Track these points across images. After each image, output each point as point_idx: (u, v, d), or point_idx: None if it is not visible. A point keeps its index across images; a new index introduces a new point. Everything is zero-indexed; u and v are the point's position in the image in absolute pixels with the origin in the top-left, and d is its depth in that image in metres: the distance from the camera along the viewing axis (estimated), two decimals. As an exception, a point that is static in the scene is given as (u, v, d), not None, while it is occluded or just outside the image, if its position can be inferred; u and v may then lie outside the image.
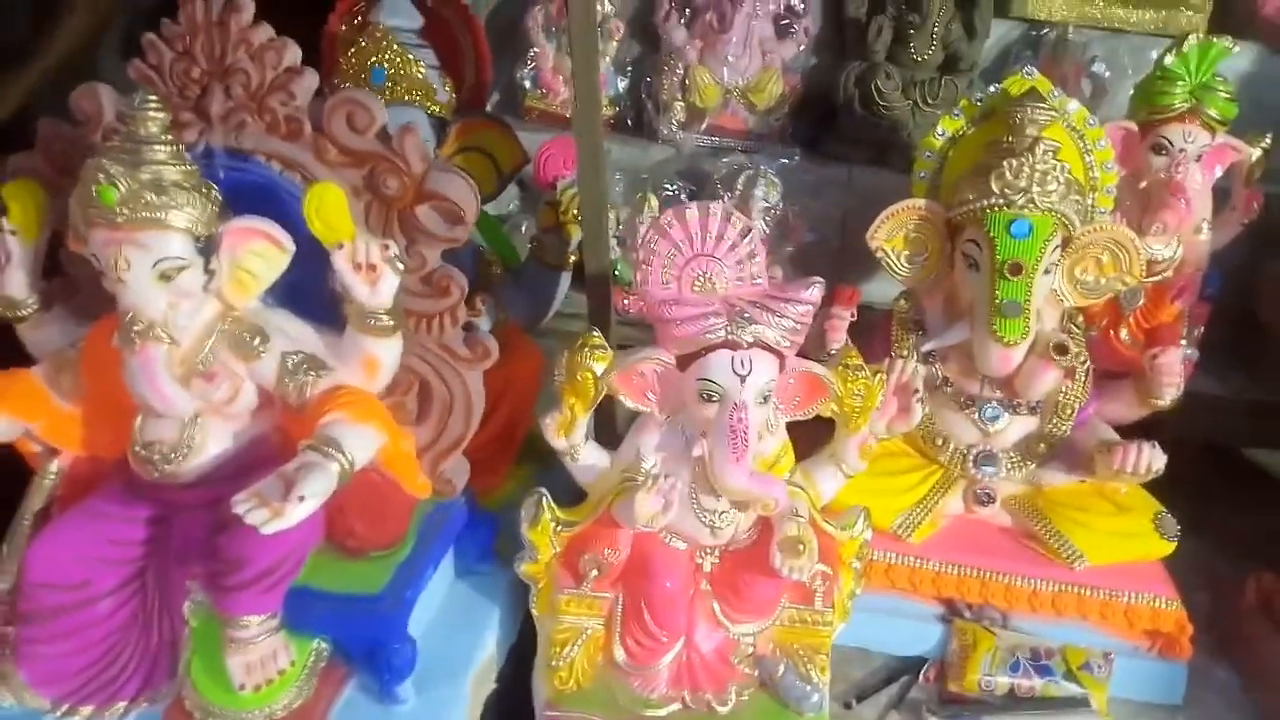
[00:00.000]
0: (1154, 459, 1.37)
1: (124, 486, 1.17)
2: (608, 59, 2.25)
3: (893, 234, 1.45)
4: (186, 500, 1.14)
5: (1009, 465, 1.46)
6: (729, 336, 1.09)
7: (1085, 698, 1.33)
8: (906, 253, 1.46)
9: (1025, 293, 1.32)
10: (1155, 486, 1.43)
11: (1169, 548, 1.41)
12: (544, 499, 1.23)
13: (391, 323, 1.12)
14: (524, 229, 2.11)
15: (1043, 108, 1.35)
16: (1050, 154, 1.32)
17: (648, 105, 2.24)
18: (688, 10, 2.18)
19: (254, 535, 0.97)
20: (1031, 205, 1.31)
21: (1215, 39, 1.66)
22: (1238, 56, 1.82)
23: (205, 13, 1.14)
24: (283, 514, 0.96)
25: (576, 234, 1.60)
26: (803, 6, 2.18)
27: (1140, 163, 1.69)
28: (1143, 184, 1.69)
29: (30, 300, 1.20)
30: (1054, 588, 1.39)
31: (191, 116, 1.16)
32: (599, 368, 1.15)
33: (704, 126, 2.21)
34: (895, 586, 1.42)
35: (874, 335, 1.52)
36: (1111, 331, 1.65)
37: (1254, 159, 1.77)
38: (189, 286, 1.05)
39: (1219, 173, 1.73)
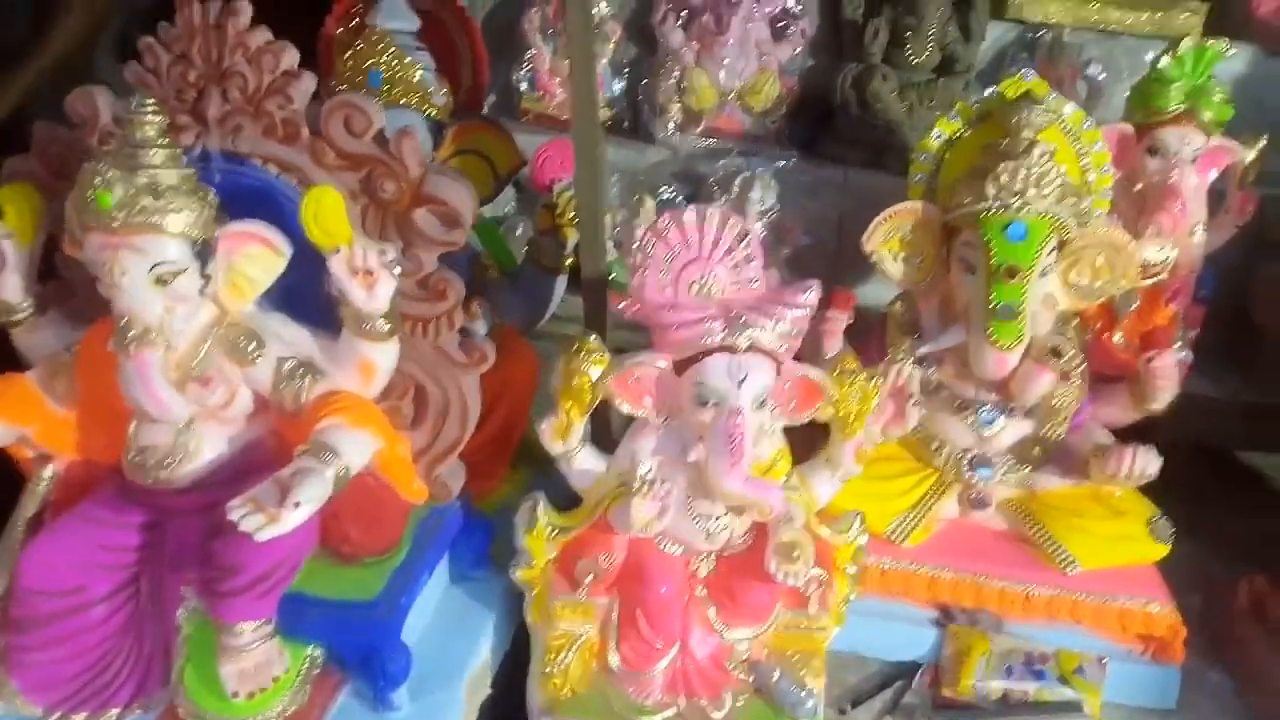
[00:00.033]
0: (1147, 463, 1.37)
1: (118, 492, 1.16)
2: (604, 61, 2.25)
3: (888, 237, 1.45)
4: (181, 506, 1.14)
5: (1004, 469, 1.46)
6: (725, 341, 1.09)
7: (1079, 702, 1.33)
8: (902, 255, 1.46)
9: (1020, 296, 1.31)
10: (1149, 489, 1.44)
11: (1163, 551, 1.41)
12: (540, 504, 1.23)
13: (388, 327, 1.11)
14: (520, 232, 2.10)
15: (1039, 110, 1.35)
16: (1046, 157, 1.32)
17: (644, 107, 2.24)
18: (684, 12, 2.18)
19: (248, 541, 0.96)
20: (1027, 208, 1.31)
21: (1211, 41, 1.66)
22: (1233, 59, 1.83)
23: (202, 15, 1.13)
24: (278, 520, 0.96)
25: (573, 237, 1.59)
26: (799, 8, 2.18)
27: (1135, 165, 1.69)
28: (1138, 186, 1.69)
29: (25, 304, 1.20)
30: (1048, 592, 1.39)
31: (188, 120, 1.16)
32: (595, 372, 1.15)
33: (700, 128, 2.21)
34: (890, 591, 1.42)
35: (869, 338, 1.52)
36: (1106, 334, 1.65)
37: (1249, 161, 1.77)
38: (185, 291, 1.05)
39: (1214, 175, 1.73)
